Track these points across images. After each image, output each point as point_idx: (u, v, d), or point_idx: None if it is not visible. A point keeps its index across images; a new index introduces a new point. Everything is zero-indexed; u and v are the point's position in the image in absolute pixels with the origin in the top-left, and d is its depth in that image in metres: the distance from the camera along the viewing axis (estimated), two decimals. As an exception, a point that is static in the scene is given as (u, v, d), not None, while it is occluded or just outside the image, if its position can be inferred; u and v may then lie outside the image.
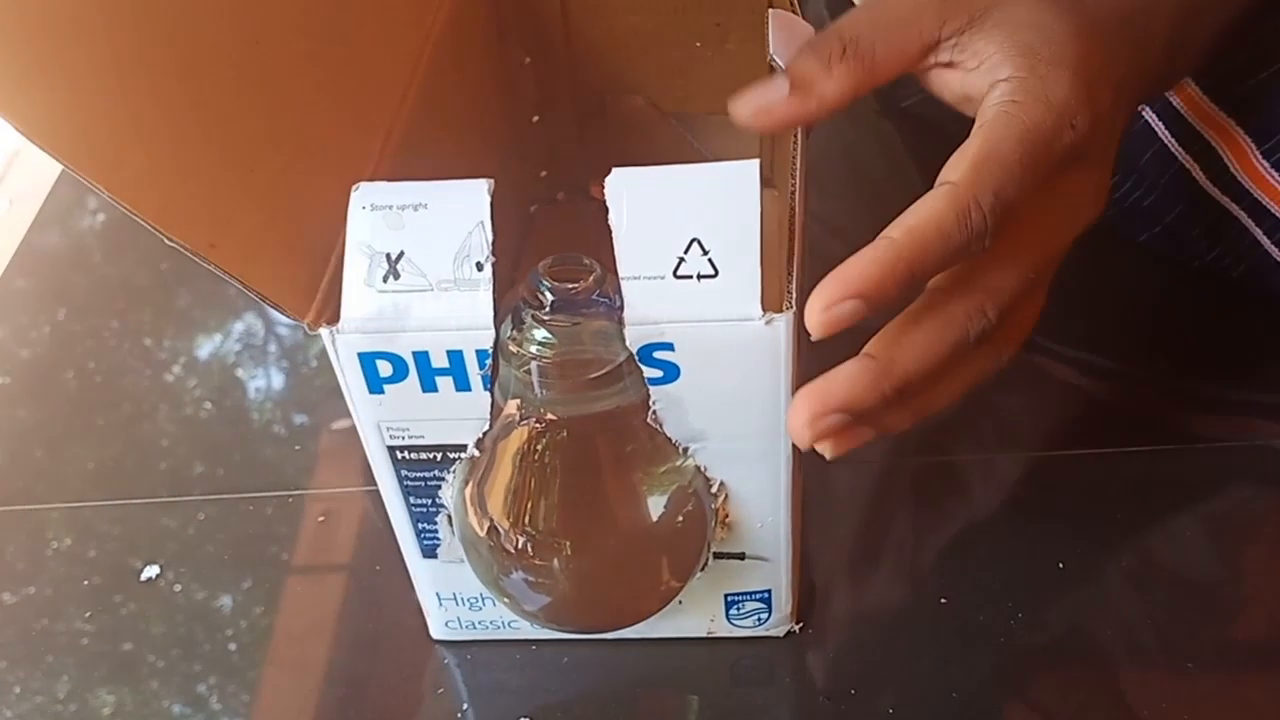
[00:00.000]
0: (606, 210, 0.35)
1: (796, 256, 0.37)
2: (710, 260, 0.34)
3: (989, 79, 0.36)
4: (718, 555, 0.43)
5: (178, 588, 0.52)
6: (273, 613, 0.50)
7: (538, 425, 0.39)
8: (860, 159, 0.69)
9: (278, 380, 0.62)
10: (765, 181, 0.49)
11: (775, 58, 0.40)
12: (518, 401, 0.39)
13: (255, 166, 0.37)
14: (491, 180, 0.37)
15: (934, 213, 0.34)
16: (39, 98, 0.32)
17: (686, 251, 0.35)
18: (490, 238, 0.36)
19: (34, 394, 0.62)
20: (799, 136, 0.41)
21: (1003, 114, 0.35)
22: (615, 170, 0.34)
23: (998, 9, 0.37)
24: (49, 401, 0.62)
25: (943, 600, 0.48)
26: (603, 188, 0.52)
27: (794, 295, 0.36)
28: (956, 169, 0.35)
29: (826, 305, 0.33)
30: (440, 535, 0.43)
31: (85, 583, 0.52)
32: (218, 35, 0.38)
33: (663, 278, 0.35)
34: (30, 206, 0.73)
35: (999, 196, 0.34)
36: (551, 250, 0.38)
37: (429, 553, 0.44)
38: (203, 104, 0.37)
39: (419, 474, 0.41)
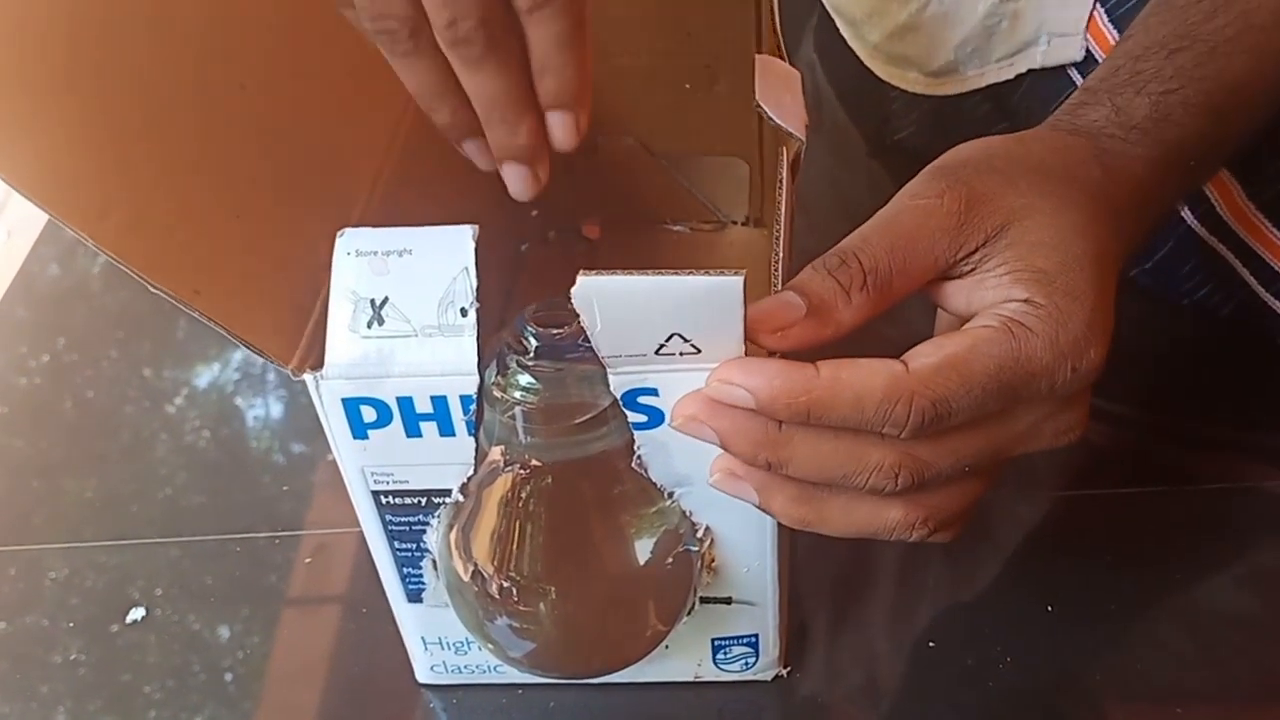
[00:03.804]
0: (597, 251, 0.34)
1: None
2: (693, 344, 0.34)
3: (1001, 295, 0.35)
4: (704, 600, 0.43)
5: (174, 619, 0.52)
6: (268, 646, 0.50)
7: (522, 470, 0.39)
8: (851, 197, 0.69)
9: (276, 409, 0.62)
10: (755, 222, 0.50)
11: (762, 103, 0.40)
12: (502, 447, 0.39)
13: (241, 213, 0.38)
14: (476, 226, 0.37)
15: (865, 381, 0.33)
16: (25, 148, 0.32)
17: (668, 340, 0.34)
18: (475, 284, 0.36)
19: (32, 424, 0.63)
20: (785, 178, 0.41)
21: (1002, 331, 0.34)
22: (581, 279, 0.32)
23: (1013, 226, 0.36)
24: (47, 431, 0.62)
25: (931, 644, 0.48)
26: (595, 226, 0.52)
27: None
28: (925, 356, 0.34)
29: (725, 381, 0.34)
30: (425, 580, 0.43)
31: (82, 614, 0.52)
32: (204, 82, 0.38)
33: (644, 355, 0.35)
34: (29, 236, 0.73)
35: (939, 407, 0.33)
36: (543, 288, 0.38)
37: (414, 597, 0.44)
38: (188, 151, 0.37)
39: (403, 519, 0.41)
